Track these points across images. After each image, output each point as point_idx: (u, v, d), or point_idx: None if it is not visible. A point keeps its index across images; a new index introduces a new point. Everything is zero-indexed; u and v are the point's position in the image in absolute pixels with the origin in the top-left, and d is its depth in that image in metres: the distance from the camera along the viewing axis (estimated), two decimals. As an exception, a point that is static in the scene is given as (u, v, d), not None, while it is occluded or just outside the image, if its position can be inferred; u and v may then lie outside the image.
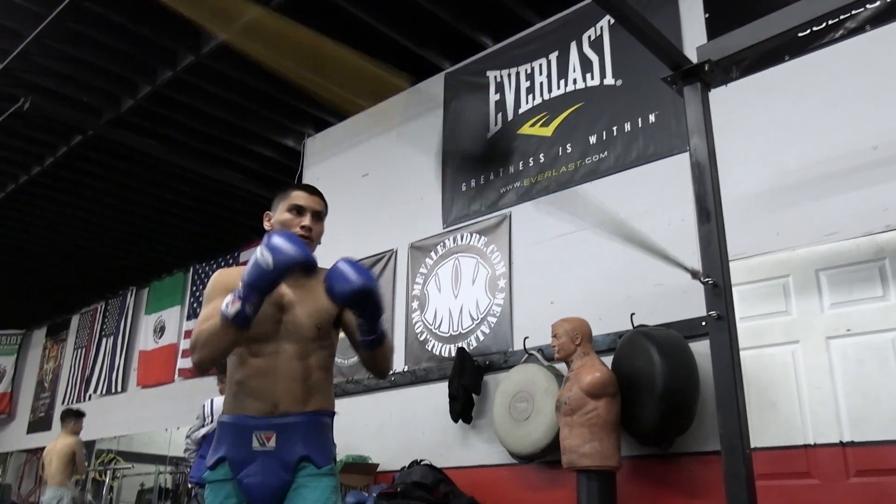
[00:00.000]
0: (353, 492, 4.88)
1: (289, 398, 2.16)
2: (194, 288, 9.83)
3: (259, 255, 2.03)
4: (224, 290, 2.12)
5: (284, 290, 2.25)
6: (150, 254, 9.91)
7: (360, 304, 2.08)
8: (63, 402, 11.18)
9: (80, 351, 11.53)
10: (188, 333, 9.46)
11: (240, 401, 2.19)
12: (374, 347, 2.18)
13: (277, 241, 2.05)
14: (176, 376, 9.40)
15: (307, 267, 2.11)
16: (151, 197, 8.34)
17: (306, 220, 2.33)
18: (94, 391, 10.71)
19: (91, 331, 11.41)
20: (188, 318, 9.65)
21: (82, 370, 11.21)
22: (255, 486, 2.12)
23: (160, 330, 9.99)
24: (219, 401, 5.07)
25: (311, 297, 2.26)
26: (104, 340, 10.98)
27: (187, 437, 5.46)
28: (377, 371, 2.32)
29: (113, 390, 10.39)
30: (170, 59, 6.03)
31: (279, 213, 2.36)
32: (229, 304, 2.03)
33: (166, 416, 9.18)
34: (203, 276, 9.76)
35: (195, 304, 9.63)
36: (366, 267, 2.11)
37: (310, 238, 2.32)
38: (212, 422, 5.13)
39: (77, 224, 9.07)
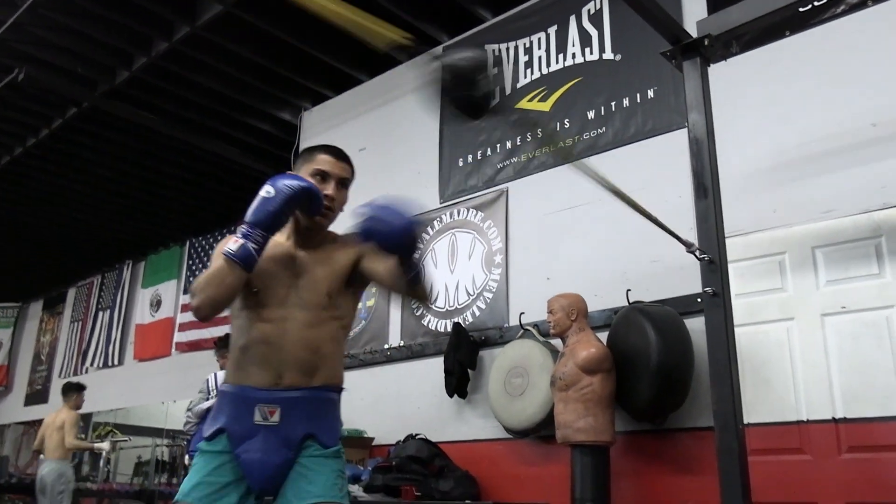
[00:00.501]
0: (349, 465, 4.91)
1: (295, 370, 2.03)
2: (191, 262, 9.81)
3: (262, 190, 1.95)
4: None
5: (297, 252, 2.14)
6: (147, 227, 9.88)
7: (406, 248, 1.91)
8: (60, 376, 11.21)
9: (76, 324, 11.53)
10: (185, 307, 9.47)
11: (243, 369, 2.05)
12: (418, 282, 2.00)
13: (280, 177, 1.97)
14: (173, 350, 9.42)
15: (313, 202, 2.02)
16: (147, 170, 8.30)
17: (330, 189, 2.15)
18: (91, 364, 10.73)
19: (87, 304, 11.40)
20: (185, 291, 9.64)
21: (79, 343, 11.22)
22: (254, 462, 1.97)
23: (157, 303, 9.99)
24: (222, 374, 5.06)
25: (324, 263, 2.14)
26: (101, 314, 10.98)
27: (189, 409, 5.39)
28: (425, 301, 2.12)
29: (110, 363, 10.42)
30: (166, 30, 5.97)
31: (303, 176, 2.16)
32: (231, 243, 1.95)
33: (163, 390, 9.21)
34: (199, 250, 9.74)
35: (191, 278, 9.62)
36: (401, 202, 1.90)
37: (331, 209, 2.16)
38: (216, 396, 5.13)
39: (73, 197, 9.03)
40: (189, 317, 9.35)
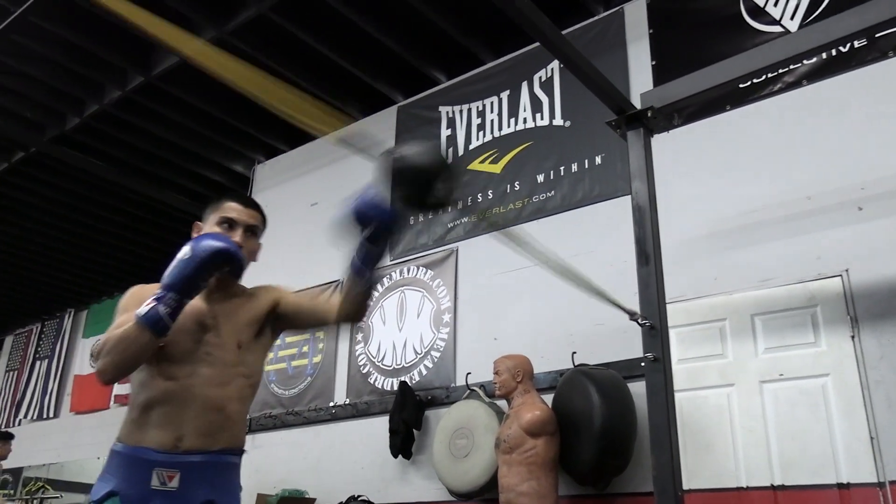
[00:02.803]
0: (288, 527, 4.78)
1: (197, 432, 1.91)
2: (135, 312, 9.59)
3: (180, 252, 1.85)
4: (139, 303, 1.86)
5: (208, 307, 2.04)
6: (90, 276, 9.64)
7: (384, 232, 1.91)
8: (-9, 427, 10.74)
9: (11, 374, 11.11)
10: (126, 358, 9.23)
11: (140, 429, 1.92)
12: (373, 282, 1.98)
13: (200, 238, 1.89)
14: (112, 402, 9.12)
15: (234, 265, 1.93)
16: (94, 217, 8.15)
17: (237, 236, 2.07)
18: (25, 416, 10.31)
19: (25, 353, 11.02)
20: (127, 342, 9.40)
21: (13, 393, 10.79)
22: None
23: (97, 354, 9.71)
24: None
25: (234, 315, 2.05)
26: (38, 363, 10.60)
27: None
28: (361, 311, 2.07)
29: (45, 416, 10.03)
30: (119, 78, 5.95)
31: (209, 225, 2.12)
32: (143, 305, 1.82)
33: (100, 444, 8.86)
34: (145, 300, 9.54)
35: (135, 329, 9.40)
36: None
37: None
38: None
39: (15, 243, 8.79)
40: (130, 368, 9.10)
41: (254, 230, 2.15)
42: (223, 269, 1.92)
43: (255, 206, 2.18)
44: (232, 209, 2.12)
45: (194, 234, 2.11)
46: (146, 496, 1.86)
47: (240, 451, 2.06)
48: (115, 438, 2.00)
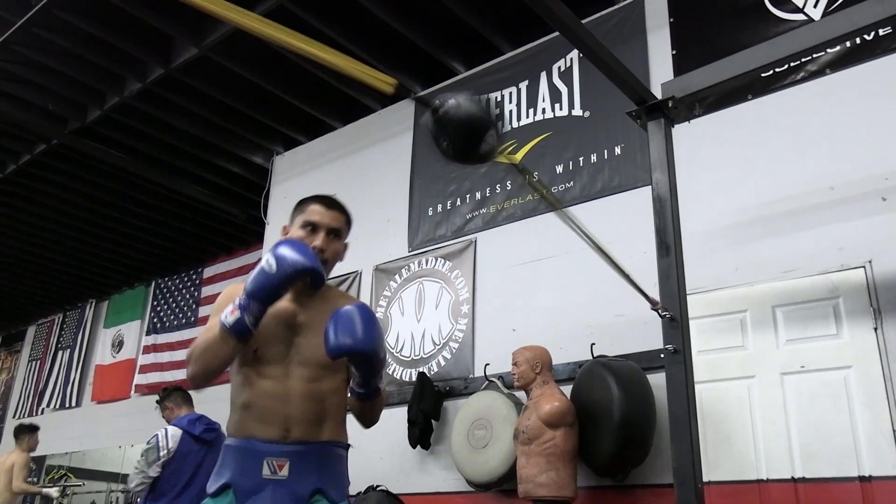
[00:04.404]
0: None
1: (302, 423, 1.99)
2: (155, 302, 9.69)
3: (264, 261, 1.91)
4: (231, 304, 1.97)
5: (296, 309, 2.10)
6: (112, 266, 9.75)
7: (355, 362, 1.97)
8: (15, 416, 10.90)
9: (34, 363, 11.27)
10: (147, 349, 9.32)
11: (247, 424, 2.00)
12: (362, 400, 2.06)
13: (283, 247, 1.93)
14: (133, 392, 9.24)
15: (315, 279, 1.99)
16: (115, 208, 8.23)
17: (318, 241, 2.11)
18: (48, 405, 10.47)
19: (47, 343, 11.17)
20: (148, 332, 9.50)
21: (36, 383, 10.96)
22: None
23: (118, 344, 9.82)
24: (173, 430, 4.69)
25: (323, 317, 2.04)
26: (60, 353, 10.75)
27: (138, 468, 4.56)
28: (362, 422, 2.17)
29: (67, 405, 10.17)
30: (139, 71, 5.99)
31: (294, 229, 2.16)
32: (228, 313, 1.91)
33: (121, 433, 8.99)
34: (165, 290, 9.63)
35: (155, 319, 9.49)
36: (374, 320, 1.93)
37: (323, 260, 2.11)
38: (167, 453, 4.51)
39: (37, 233, 8.90)
40: (150, 358, 9.20)
41: (337, 232, 2.18)
42: (305, 280, 1.99)
43: (338, 208, 2.21)
44: (315, 212, 2.16)
45: (281, 237, 2.16)
46: (259, 485, 1.93)
47: (345, 445, 2.13)
48: (226, 435, 2.08)
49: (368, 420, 2.18)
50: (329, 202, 2.21)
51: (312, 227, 2.14)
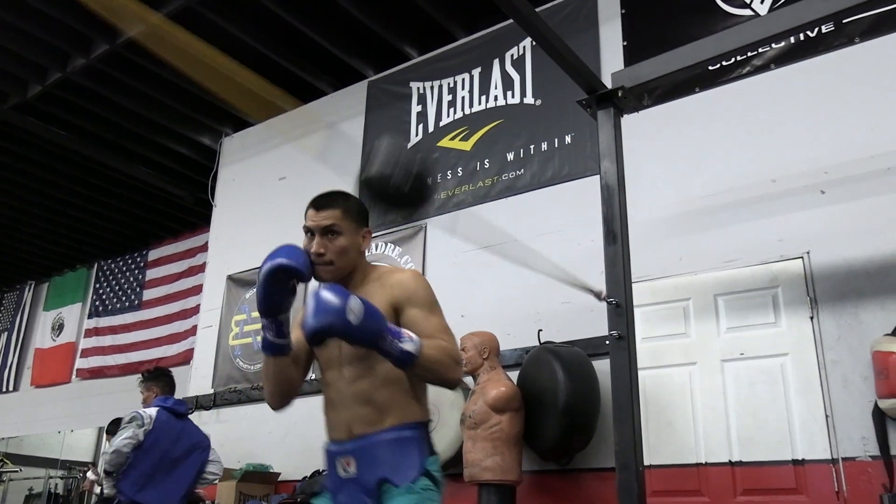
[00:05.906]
0: (252, 501, 4.78)
1: (360, 422, 2.00)
2: (97, 285, 9.45)
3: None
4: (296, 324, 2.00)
5: None
6: (52, 248, 9.47)
7: (343, 340, 1.84)
8: (-51, 400, 10.56)
9: (-30, 346, 10.92)
10: (88, 332, 9.11)
11: (327, 429, 2.09)
12: (404, 368, 1.86)
13: (269, 256, 1.91)
14: (73, 376, 9.01)
15: (299, 277, 1.92)
16: (57, 188, 7.99)
17: (314, 245, 2.03)
18: (-16, 389, 10.16)
19: (-17, 325, 10.83)
20: (90, 315, 9.27)
21: (-29, 366, 10.61)
22: None
23: (59, 327, 9.57)
24: (150, 410, 4.51)
25: None
26: (-3, 336, 10.44)
27: (116, 449, 4.23)
28: (437, 384, 2.00)
29: (4, 389, 9.88)
30: (84, 46, 5.81)
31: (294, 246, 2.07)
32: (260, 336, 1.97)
33: (61, 418, 8.79)
34: (108, 273, 9.40)
35: (97, 302, 9.27)
36: (339, 296, 1.77)
37: (327, 262, 2.02)
38: (150, 420, 4.30)
39: (-26, 212, 8.61)
40: (92, 342, 8.99)
41: (330, 229, 2.05)
42: (293, 281, 1.94)
43: (328, 205, 2.09)
44: (308, 218, 2.08)
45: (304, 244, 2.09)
46: (339, 485, 2.02)
47: (413, 425, 2.02)
48: None
49: (434, 381, 2.00)
50: (318, 202, 2.10)
51: (310, 233, 2.07)
